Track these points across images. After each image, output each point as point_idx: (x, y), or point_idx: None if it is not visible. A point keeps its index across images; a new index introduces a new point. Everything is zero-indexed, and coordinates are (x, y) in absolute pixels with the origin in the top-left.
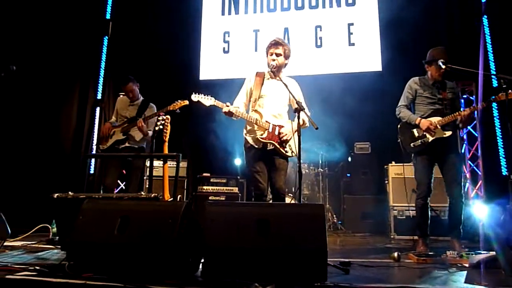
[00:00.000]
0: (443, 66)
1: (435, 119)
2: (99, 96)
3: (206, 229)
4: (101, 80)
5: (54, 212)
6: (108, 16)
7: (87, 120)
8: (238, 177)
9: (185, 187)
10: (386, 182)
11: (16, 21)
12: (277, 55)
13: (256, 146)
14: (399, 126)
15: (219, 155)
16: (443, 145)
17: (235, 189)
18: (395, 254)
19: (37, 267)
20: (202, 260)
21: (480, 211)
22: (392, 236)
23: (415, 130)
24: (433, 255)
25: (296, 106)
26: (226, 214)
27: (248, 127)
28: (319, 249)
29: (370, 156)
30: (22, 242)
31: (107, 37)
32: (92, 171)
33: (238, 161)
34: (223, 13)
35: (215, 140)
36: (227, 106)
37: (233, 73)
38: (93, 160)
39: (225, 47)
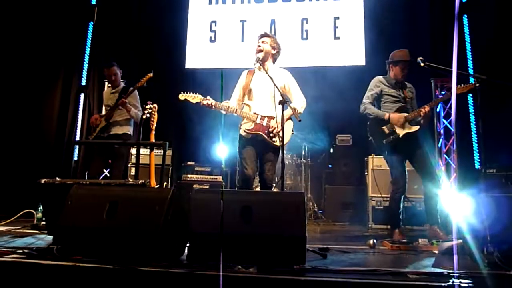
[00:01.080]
0: (422, 64)
1: (404, 114)
2: (83, 82)
3: (191, 215)
4: (85, 66)
5: (41, 198)
6: (93, 1)
7: (71, 107)
8: (223, 166)
9: (170, 175)
10: (366, 173)
11: None
12: (264, 42)
13: (246, 137)
14: (368, 124)
15: (203, 144)
16: (413, 139)
17: (219, 178)
18: (371, 241)
19: (26, 250)
20: (188, 245)
21: (454, 202)
22: (370, 225)
23: (385, 127)
24: (406, 243)
25: (293, 98)
26: (210, 201)
27: (243, 120)
28: (299, 235)
29: (351, 148)
30: (6, 227)
31: (92, 23)
32: (75, 158)
33: (222, 150)
34: (210, 2)
35: (199, 129)
36: (206, 99)
37: (219, 62)
38: (76, 147)
39: (211, 37)
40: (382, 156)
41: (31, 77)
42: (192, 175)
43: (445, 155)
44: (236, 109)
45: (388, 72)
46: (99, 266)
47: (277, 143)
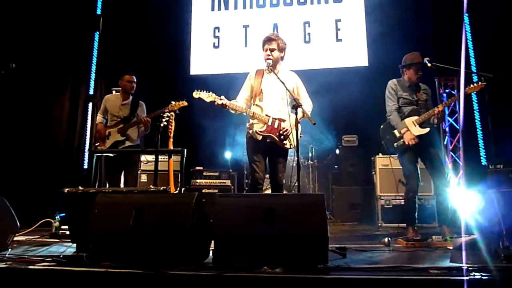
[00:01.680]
0: (429, 64)
1: (413, 118)
2: (91, 92)
3: (216, 219)
4: (93, 75)
5: (64, 206)
6: (99, 12)
7: (79, 115)
8: (230, 170)
9: (179, 180)
10: (373, 173)
11: (7, 18)
12: (271, 50)
13: (256, 137)
14: (381, 127)
15: (210, 149)
16: (423, 140)
17: (228, 182)
18: (386, 240)
19: (54, 258)
20: (212, 249)
21: (461, 199)
22: (379, 224)
23: (396, 131)
24: (421, 240)
25: (305, 96)
26: (234, 205)
27: (251, 121)
28: (321, 234)
29: (357, 149)
30: (26, 237)
31: (98, 33)
32: (85, 167)
33: (228, 154)
34: (212, 9)
35: (206, 134)
36: (221, 99)
37: (223, 68)
38: (86, 157)
39: (215, 43)
40: (388, 156)
41: (39, 87)
42: (200, 180)
43: (451, 153)
44: (248, 110)
45: (402, 75)
46: (129, 271)
47: (288, 146)
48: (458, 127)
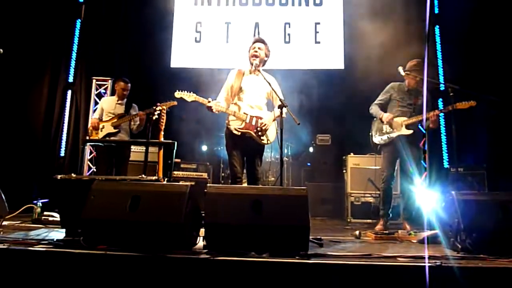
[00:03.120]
0: (403, 73)
1: (401, 119)
2: (70, 79)
3: (207, 208)
4: (73, 63)
5: (56, 193)
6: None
7: (57, 103)
8: (208, 163)
9: (156, 171)
10: (344, 171)
11: None
12: (259, 48)
13: (235, 134)
14: (372, 122)
15: (187, 141)
16: (405, 141)
17: (205, 175)
18: (357, 232)
19: (49, 241)
20: (201, 236)
21: (425, 198)
22: (349, 220)
23: (384, 126)
24: (388, 233)
25: (279, 102)
26: (224, 195)
27: (229, 117)
28: (304, 225)
29: (330, 148)
30: (8, 222)
31: (80, 20)
32: (62, 154)
33: (204, 147)
34: (195, 3)
35: (183, 127)
36: (209, 101)
37: (204, 62)
38: (63, 145)
39: (197, 37)
40: (359, 156)
41: (18, 72)
42: (178, 172)
43: None
44: (229, 110)
45: (405, 79)
46: (128, 254)
47: (265, 142)
48: (424, 132)
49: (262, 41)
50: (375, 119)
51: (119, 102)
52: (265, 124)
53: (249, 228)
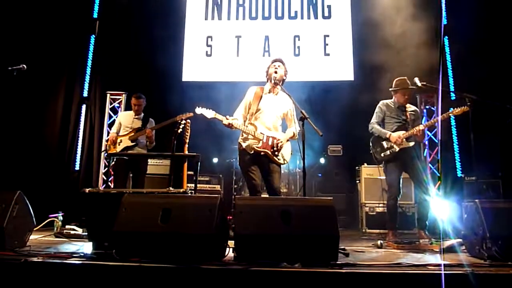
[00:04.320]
0: (420, 84)
1: (400, 133)
2: (85, 94)
3: (237, 220)
4: (87, 78)
5: (84, 206)
6: (95, 15)
7: (72, 117)
8: (220, 175)
9: (170, 185)
10: (358, 181)
11: (4, 18)
12: (279, 66)
13: (249, 152)
14: (371, 140)
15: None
16: (408, 153)
17: (217, 187)
18: (378, 242)
19: (82, 254)
20: (232, 247)
21: (439, 208)
22: (364, 230)
23: (384, 143)
24: (409, 243)
25: (293, 124)
26: (253, 207)
27: (244, 135)
28: (333, 235)
29: (342, 158)
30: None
31: (94, 36)
32: (77, 168)
33: (215, 160)
34: (206, 18)
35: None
36: (227, 119)
37: (215, 76)
38: (78, 158)
39: (207, 51)
40: (373, 166)
41: (33, 89)
42: (191, 185)
43: (430, 164)
44: (246, 128)
45: (393, 97)
46: (162, 265)
47: (281, 161)
48: (436, 141)
49: (281, 61)
50: (374, 136)
51: (136, 116)
52: (280, 141)
53: (279, 238)
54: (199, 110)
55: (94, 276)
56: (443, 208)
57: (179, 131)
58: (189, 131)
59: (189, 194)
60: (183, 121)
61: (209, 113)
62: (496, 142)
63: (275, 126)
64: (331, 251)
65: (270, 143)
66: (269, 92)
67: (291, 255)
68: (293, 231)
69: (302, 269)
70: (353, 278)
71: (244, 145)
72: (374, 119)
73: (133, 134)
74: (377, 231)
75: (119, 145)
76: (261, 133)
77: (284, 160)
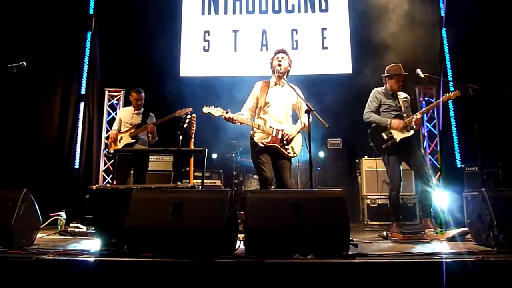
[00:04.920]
0: (422, 75)
1: (401, 121)
2: (82, 91)
3: (248, 213)
4: (84, 75)
5: (91, 203)
6: (91, 11)
7: (70, 115)
8: (220, 170)
9: (172, 180)
10: (358, 174)
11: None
12: (283, 58)
13: (261, 145)
14: (369, 131)
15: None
16: (408, 143)
17: (218, 182)
18: (384, 233)
19: (94, 251)
20: (243, 240)
21: (440, 198)
22: (365, 222)
23: (383, 134)
24: (415, 233)
25: (306, 108)
26: (264, 200)
27: (255, 129)
28: (343, 225)
29: (341, 151)
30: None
31: (90, 32)
32: (77, 166)
33: (215, 155)
34: (203, 13)
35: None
36: (227, 113)
37: (213, 71)
38: (77, 156)
39: (205, 46)
40: (374, 158)
41: (31, 85)
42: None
43: (429, 156)
44: (253, 123)
45: (385, 84)
46: (175, 260)
47: (291, 154)
48: (436, 132)
49: (284, 51)
50: (371, 128)
51: (136, 112)
52: (288, 135)
53: (291, 230)
54: (206, 109)
55: (107, 272)
56: (444, 199)
57: (185, 125)
58: (195, 125)
59: (197, 189)
60: (189, 116)
61: (216, 112)
62: (495, 132)
63: (285, 119)
64: (342, 242)
65: (279, 136)
66: (275, 85)
67: (303, 247)
68: (305, 223)
69: (316, 260)
70: (366, 268)
71: (255, 137)
72: (369, 108)
73: (133, 130)
74: (379, 222)
75: (119, 142)
76: (270, 127)
77: (294, 153)
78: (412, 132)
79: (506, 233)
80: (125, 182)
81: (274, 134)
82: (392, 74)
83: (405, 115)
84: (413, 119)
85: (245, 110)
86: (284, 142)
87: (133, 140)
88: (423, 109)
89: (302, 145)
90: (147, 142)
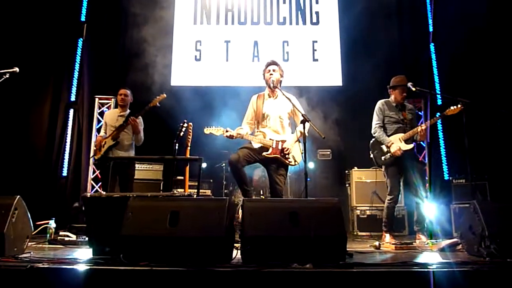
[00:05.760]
0: (413, 89)
1: (399, 135)
2: (72, 98)
3: (245, 222)
4: (75, 82)
5: (86, 211)
6: (83, 18)
7: (59, 122)
8: (211, 180)
9: (161, 189)
10: (348, 185)
11: None
12: (274, 70)
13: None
14: (370, 143)
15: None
16: (408, 156)
17: (208, 192)
18: (376, 243)
19: (88, 259)
20: (239, 249)
21: (428, 210)
22: (355, 233)
23: (383, 146)
24: (407, 243)
25: (301, 118)
26: (260, 209)
27: (255, 142)
28: (340, 235)
29: (331, 162)
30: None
31: (81, 39)
32: (64, 174)
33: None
34: (195, 23)
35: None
36: (227, 131)
37: (204, 80)
38: (65, 164)
39: (196, 55)
40: (363, 169)
41: (20, 91)
42: (181, 190)
43: None
44: (254, 138)
45: (390, 95)
46: (173, 269)
47: (292, 163)
48: (424, 145)
49: (275, 63)
50: (373, 140)
51: (121, 114)
52: (287, 149)
53: (288, 240)
54: (207, 130)
55: (103, 281)
56: (432, 210)
57: (181, 134)
58: (191, 134)
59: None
60: (185, 125)
61: (217, 131)
62: (482, 145)
63: (282, 128)
64: (339, 251)
65: (280, 147)
66: (269, 97)
67: (300, 256)
68: (302, 232)
69: (314, 269)
70: (365, 277)
71: (255, 145)
72: (376, 121)
73: (115, 133)
74: (368, 233)
75: (103, 147)
76: (270, 139)
77: (295, 161)
78: (412, 145)
79: (497, 243)
80: (112, 190)
81: (274, 146)
82: (396, 85)
83: (408, 127)
84: (417, 129)
85: (245, 124)
86: (285, 152)
87: (113, 142)
88: (428, 120)
89: (302, 153)
90: (131, 147)
